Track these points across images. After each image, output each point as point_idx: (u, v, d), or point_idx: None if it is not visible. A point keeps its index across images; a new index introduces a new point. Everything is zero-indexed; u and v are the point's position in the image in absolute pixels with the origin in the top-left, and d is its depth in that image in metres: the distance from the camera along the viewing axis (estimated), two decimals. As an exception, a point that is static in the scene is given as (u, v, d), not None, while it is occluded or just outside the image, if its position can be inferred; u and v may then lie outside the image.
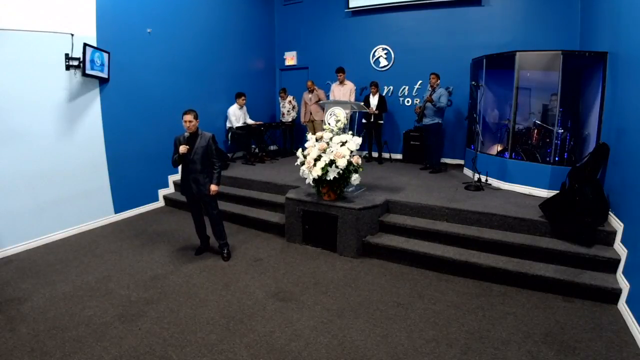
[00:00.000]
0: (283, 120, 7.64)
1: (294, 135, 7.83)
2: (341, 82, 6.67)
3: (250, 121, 6.85)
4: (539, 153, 4.75)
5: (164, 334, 2.60)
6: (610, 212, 3.49)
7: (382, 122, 6.64)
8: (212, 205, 3.71)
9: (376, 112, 6.45)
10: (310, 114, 7.02)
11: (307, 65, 8.15)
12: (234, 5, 7.02)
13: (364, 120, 6.68)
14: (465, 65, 6.07)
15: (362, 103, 6.10)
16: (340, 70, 6.61)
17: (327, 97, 7.05)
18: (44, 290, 3.16)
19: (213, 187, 3.59)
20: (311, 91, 6.96)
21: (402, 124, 7.19)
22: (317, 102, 6.87)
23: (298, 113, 7.70)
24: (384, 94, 6.98)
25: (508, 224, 3.65)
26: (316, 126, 6.88)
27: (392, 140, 7.17)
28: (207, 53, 6.40)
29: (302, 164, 3.99)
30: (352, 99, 6.59)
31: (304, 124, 7.25)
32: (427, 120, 5.72)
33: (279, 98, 7.74)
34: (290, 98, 7.57)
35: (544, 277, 3.09)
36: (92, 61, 4.31)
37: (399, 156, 7.21)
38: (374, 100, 6.52)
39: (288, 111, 7.58)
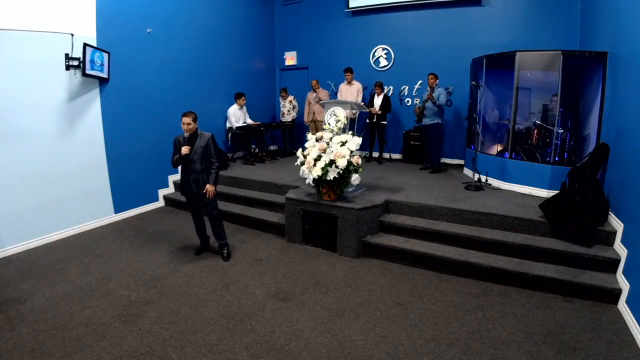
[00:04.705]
0: (283, 120, 7.64)
1: (294, 135, 7.83)
2: (349, 82, 6.68)
3: (250, 121, 6.85)
4: (539, 153, 4.75)
5: (164, 334, 2.60)
6: (610, 212, 3.49)
7: (385, 122, 6.63)
8: (212, 205, 3.70)
9: (379, 112, 6.45)
10: (314, 113, 7.02)
11: (307, 65, 8.15)
12: (233, 5, 7.02)
13: (367, 120, 6.68)
14: (465, 65, 6.07)
15: (363, 103, 6.12)
16: (348, 70, 6.62)
17: (331, 97, 7.06)
18: (44, 290, 3.16)
19: (209, 187, 3.58)
20: (315, 90, 6.97)
21: (402, 124, 7.19)
22: (318, 102, 6.88)
23: (298, 113, 7.71)
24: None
25: (508, 224, 3.65)
26: (318, 126, 6.88)
27: (392, 140, 7.17)
28: (207, 53, 6.40)
29: (302, 164, 3.99)
30: (359, 99, 6.59)
31: (307, 123, 7.25)
32: (426, 121, 5.72)
33: (280, 97, 7.73)
34: (290, 98, 7.56)
35: (544, 277, 3.09)
36: (92, 61, 4.31)
37: (399, 156, 7.21)
38: (378, 101, 6.51)
39: (288, 111, 7.57)
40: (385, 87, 7.15)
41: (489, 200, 4.21)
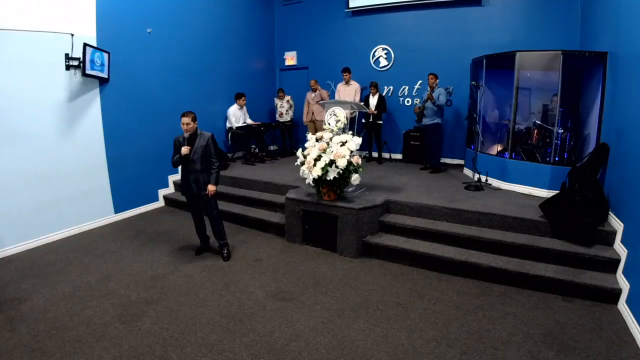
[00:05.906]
0: (281, 120, 7.64)
1: (292, 135, 7.84)
2: (347, 82, 6.69)
3: (250, 121, 6.85)
4: (539, 153, 4.75)
5: (164, 334, 2.60)
6: (610, 212, 3.49)
7: (381, 122, 6.64)
8: (212, 205, 3.71)
9: (375, 112, 6.46)
10: (312, 113, 7.01)
11: (307, 65, 8.14)
12: (233, 5, 7.02)
13: (363, 120, 6.69)
14: (465, 65, 6.07)
15: (362, 103, 6.12)
16: (346, 70, 6.63)
17: (331, 97, 7.06)
18: (44, 290, 3.16)
19: (210, 187, 3.59)
20: (314, 90, 6.96)
21: (402, 124, 7.19)
22: (318, 102, 6.88)
23: (294, 112, 7.70)
24: (384, 94, 6.98)
25: (508, 224, 3.65)
26: (317, 126, 6.87)
27: (392, 140, 7.17)
28: (207, 53, 6.40)
29: (302, 164, 3.99)
30: (357, 98, 6.59)
31: (306, 123, 7.24)
32: (426, 121, 5.73)
33: (276, 98, 7.73)
34: (287, 97, 7.57)
35: (544, 277, 3.09)
36: (92, 61, 4.31)
37: (399, 156, 7.20)
38: (373, 101, 6.52)
39: (287, 111, 7.58)
40: (385, 87, 7.17)
41: (489, 200, 4.21)
